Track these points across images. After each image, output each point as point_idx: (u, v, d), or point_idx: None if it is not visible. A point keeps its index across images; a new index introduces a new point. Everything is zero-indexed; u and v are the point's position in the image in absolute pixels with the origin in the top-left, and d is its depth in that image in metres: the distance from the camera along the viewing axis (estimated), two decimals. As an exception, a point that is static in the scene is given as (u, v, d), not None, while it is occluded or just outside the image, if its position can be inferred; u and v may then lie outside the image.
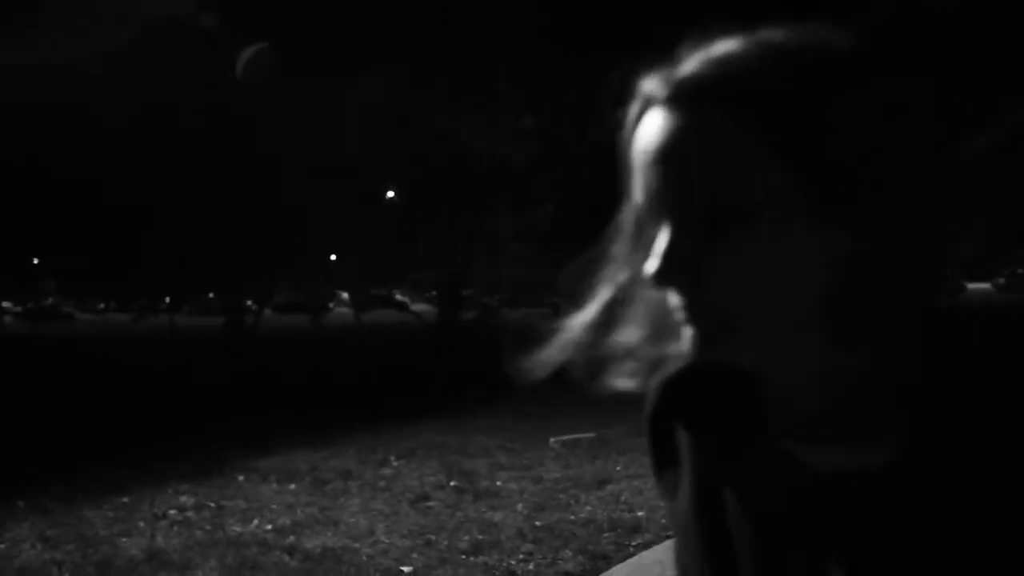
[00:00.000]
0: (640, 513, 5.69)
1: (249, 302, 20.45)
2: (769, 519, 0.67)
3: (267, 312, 24.84)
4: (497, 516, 5.73)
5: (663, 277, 0.60)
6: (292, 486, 6.71)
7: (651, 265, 0.61)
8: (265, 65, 10.83)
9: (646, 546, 5.02)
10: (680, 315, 0.61)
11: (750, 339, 0.59)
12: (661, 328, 0.70)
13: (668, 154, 0.60)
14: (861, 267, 0.57)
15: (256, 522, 5.69)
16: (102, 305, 42.78)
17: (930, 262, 0.59)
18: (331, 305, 28.00)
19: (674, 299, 0.62)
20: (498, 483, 6.68)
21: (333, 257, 22.11)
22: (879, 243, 0.56)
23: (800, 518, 0.64)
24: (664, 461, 0.82)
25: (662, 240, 0.61)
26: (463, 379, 13.79)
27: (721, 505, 0.71)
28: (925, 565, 0.57)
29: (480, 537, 5.25)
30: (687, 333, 0.61)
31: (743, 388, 0.69)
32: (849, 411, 0.62)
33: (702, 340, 0.60)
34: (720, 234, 0.58)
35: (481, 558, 4.89)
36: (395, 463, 7.47)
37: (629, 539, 5.18)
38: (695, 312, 0.60)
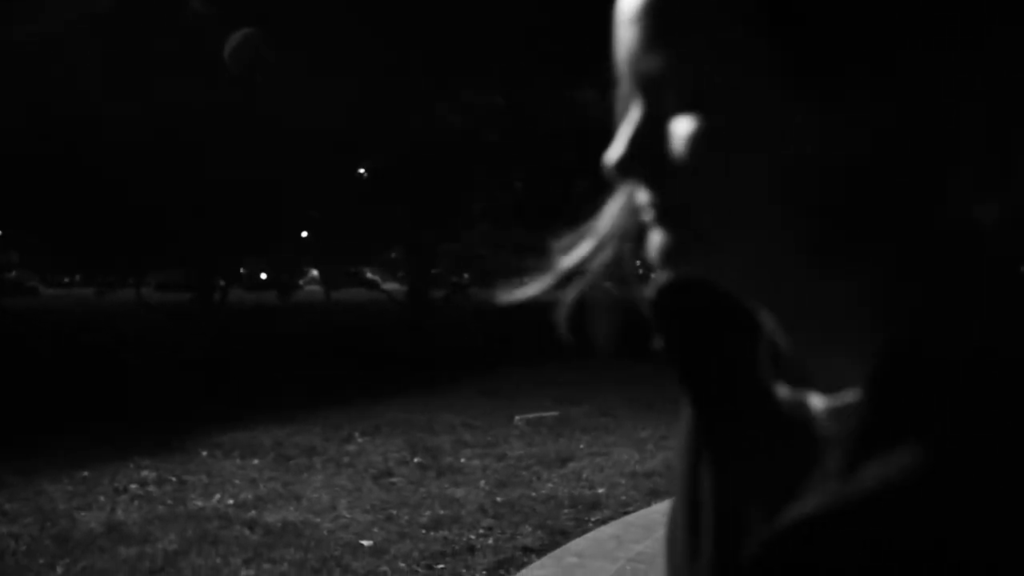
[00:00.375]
0: (600, 490, 5.77)
1: (221, 280, 20.33)
2: (736, 467, 0.57)
3: (236, 289, 24.66)
4: (459, 492, 5.78)
5: (624, 165, 0.51)
6: (255, 461, 6.72)
7: (614, 151, 0.51)
8: (252, 52, 10.70)
9: (604, 522, 5.10)
10: (647, 217, 0.52)
11: (727, 251, 0.49)
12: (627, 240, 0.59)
13: (638, 14, 0.49)
14: (853, 163, 0.45)
15: (218, 496, 5.69)
16: (67, 279, 42.23)
17: (940, 168, 0.44)
18: (301, 283, 27.84)
19: (642, 197, 0.52)
20: (462, 460, 6.74)
21: (304, 234, 21.98)
22: (874, 133, 0.44)
23: (766, 468, 0.55)
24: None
25: (630, 121, 0.51)
26: (431, 357, 13.81)
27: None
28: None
29: (441, 512, 5.30)
30: (654, 241, 0.51)
31: (728, 313, 0.58)
32: (826, 350, 0.51)
33: (672, 250, 0.50)
34: (694, 114, 0.47)
35: (441, 532, 4.94)
36: (360, 439, 7.50)
37: (588, 515, 5.25)
38: (663, 213, 0.50)
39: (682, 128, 0.48)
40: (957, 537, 0.41)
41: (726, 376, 0.59)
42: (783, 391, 0.55)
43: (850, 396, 0.48)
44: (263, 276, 29.47)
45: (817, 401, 0.51)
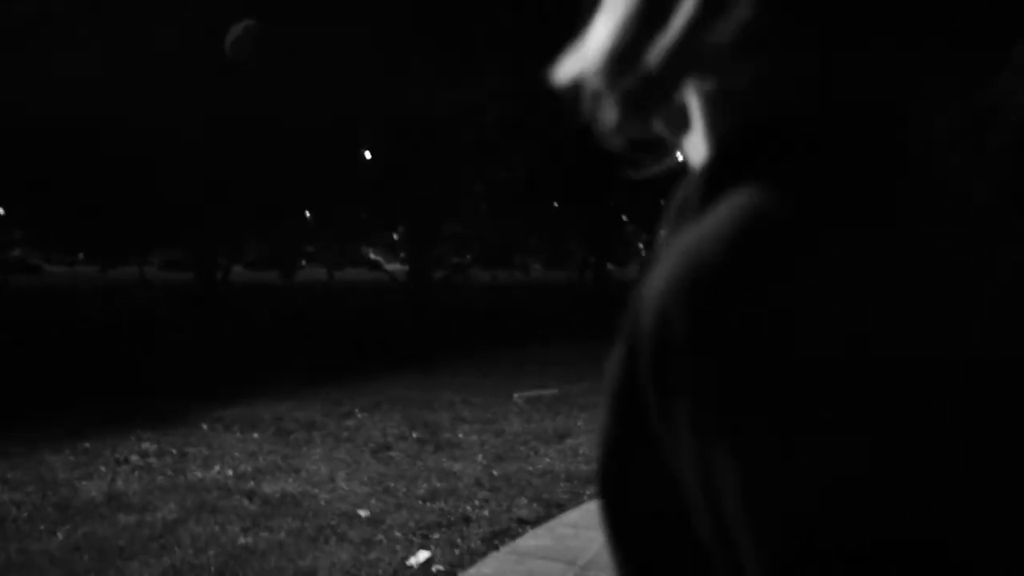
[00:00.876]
0: (596, 466, 5.82)
1: (223, 259, 20.39)
2: None
3: (238, 268, 24.72)
4: (456, 466, 5.83)
5: None
6: (255, 435, 6.77)
7: None
8: (253, 42, 10.72)
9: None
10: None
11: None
12: None
13: None
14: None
15: (217, 468, 5.75)
16: (71, 258, 42.32)
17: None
18: (303, 263, 27.88)
19: None
20: (460, 435, 6.79)
21: (308, 214, 22.01)
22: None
23: None
24: None
25: None
26: (432, 336, 13.87)
27: None
28: None
29: (438, 485, 5.35)
30: None
31: None
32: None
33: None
34: None
35: (437, 504, 4.99)
36: (359, 415, 7.55)
37: (584, 489, 5.30)
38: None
39: None
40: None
41: None
42: None
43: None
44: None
45: None
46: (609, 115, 0.50)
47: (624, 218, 23.55)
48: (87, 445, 6.30)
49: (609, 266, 23.66)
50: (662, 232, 0.54)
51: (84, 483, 5.36)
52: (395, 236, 26.67)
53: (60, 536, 4.40)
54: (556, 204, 18.40)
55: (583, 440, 6.60)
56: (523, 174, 17.72)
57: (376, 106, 16.64)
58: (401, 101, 16.60)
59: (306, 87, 15.17)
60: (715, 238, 0.39)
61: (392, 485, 5.37)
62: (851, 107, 0.44)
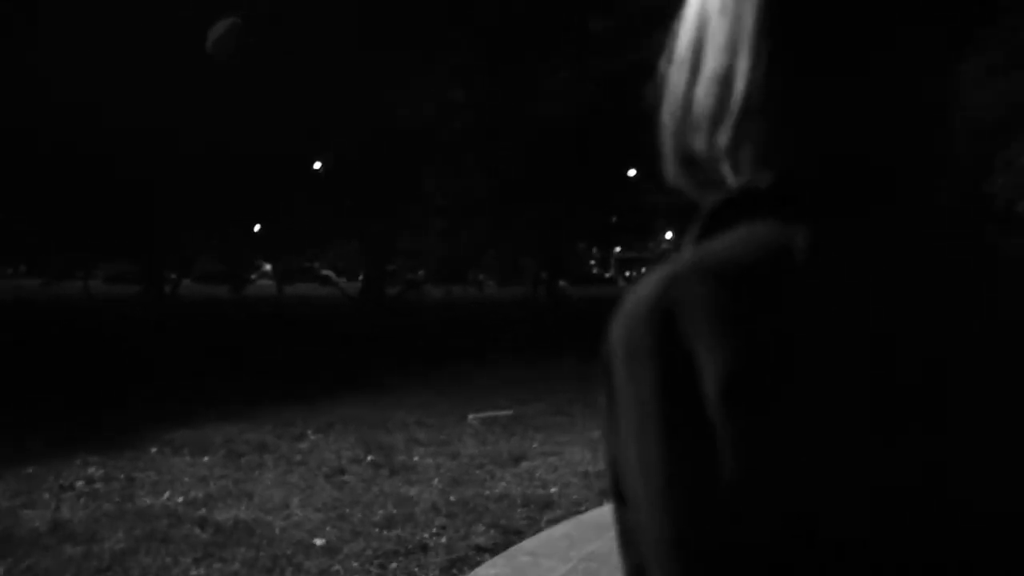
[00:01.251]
0: (553, 489, 5.81)
1: (171, 273, 20.00)
2: None
3: (186, 282, 24.29)
4: (413, 491, 5.78)
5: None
6: (206, 459, 6.64)
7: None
8: (235, 40, 10.62)
9: (556, 521, 5.14)
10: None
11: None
12: None
13: None
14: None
15: (167, 494, 5.62)
16: (11, 270, 41.17)
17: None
18: (253, 276, 27.51)
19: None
20: (415, 458, 6.73)
21: (257, 227, 21.73)
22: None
23: None
24: None
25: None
26: (385, 353, 13.77)
27: None
28: None
29: (394, 511, 5.30)
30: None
31: None
32: None
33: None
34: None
35: (394, 531, 4.94)
36: (312, 437, 7.45)
37: (541, 514, 5.28)
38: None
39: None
40: None
41: None
42: None
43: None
44: (214, 269, 28.92)
45: None
46: (671, 175, 0.68)
47: (575, 235, 23.69)
48: (30, 470, 6.11)
49: (561, 282, 23.74)
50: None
51: (26, 512, 5.19)
52: (347, 250, 26.45)
53: (1, 570, 4.25)
54: (509, 221, 18.44)
55: (539, 463, 6.59)
56: (477, 191, 17.73)
57: (330, 118, 16.53)
58: (354, 114, 16.51)
59: (258, 98, 15.01)
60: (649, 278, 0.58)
61: (347, 511, 5.30)
62: (833, 159, 0.59)
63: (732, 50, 0.61)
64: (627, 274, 58.96)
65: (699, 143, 0.64)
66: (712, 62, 0.62)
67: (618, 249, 53.78)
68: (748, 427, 0.50)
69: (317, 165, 19.96)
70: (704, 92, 0.63)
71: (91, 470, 6.15)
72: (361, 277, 25.04)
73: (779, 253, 0.54)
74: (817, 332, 0.52)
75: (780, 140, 0.60)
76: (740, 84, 0.60)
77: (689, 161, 0.66)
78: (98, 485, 5.82)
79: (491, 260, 20.73)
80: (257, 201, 18.11)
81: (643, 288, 0.57)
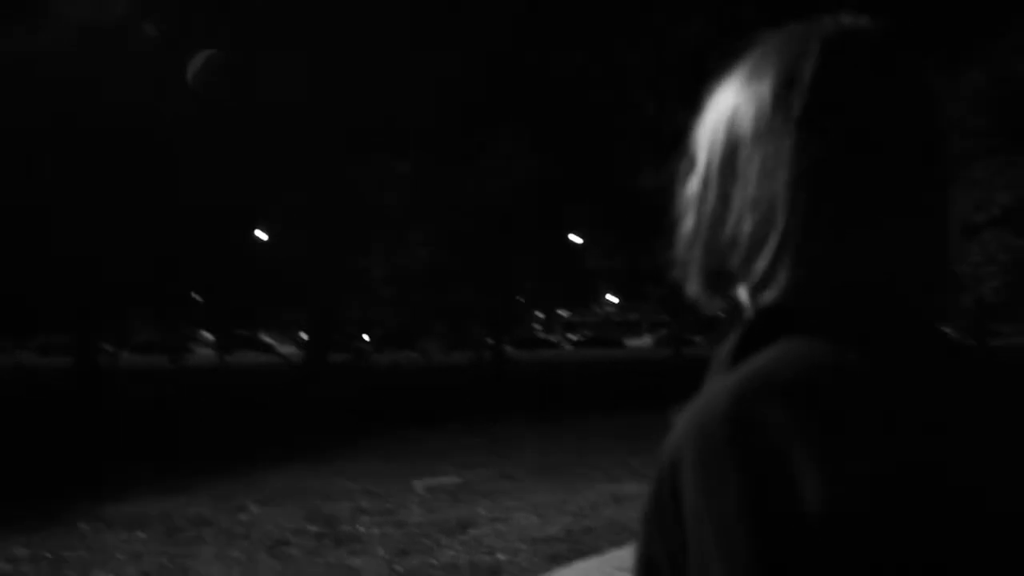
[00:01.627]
0: (502, 556, 5.72)
1: (106, 344, 19.51)
2: None
3: (124, 353, 23.71)
4: (358, 561, 5.64)
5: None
6: (141, 534, 6.39)
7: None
8: (213, 72, 10.70)
9: (505, 588, 5.04)
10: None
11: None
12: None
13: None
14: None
15: (99, 574, 5.38)
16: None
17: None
18: (192, 346, 26.98)
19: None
20: (360, 528, 6.58)
21: (197, 297, 21.39)
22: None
23: None
24: None
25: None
26: (329, 421, 13.53)
27: None
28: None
29: (339, 583, 5.15)
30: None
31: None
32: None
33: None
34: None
35: (338, 605, 4.79)
36: (253, 509, 7.24)
37: (489, 583, 5.19)
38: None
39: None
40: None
41: None
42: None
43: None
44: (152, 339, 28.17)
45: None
46: (693, 287, 0.73)
47: (521, 300, 23.82)
48: (-49, 551, 5.81)
49: (508, 348, 23.74)
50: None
51: (-53, 595, 4.92)
52: (289, 318, 26.13)
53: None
54: (455, 288, 18.50)
55: (486, 530, 6.49)
56: (422, 260, 17.75)
57: (273, 186, 16.49)
58: (299, 183, 16.50)
59: (199, 165, 14.92)
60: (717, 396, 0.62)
61: (290, 585, 5.13)
62: (847, 287, 0.65)
63: (770, 181, 0.66)
64: (572, 338, 59.17)
65: (734, 262, 0.68)
66: (751, 189, 0.67)
67: (563, 312, 54.10)
68: (852, 549, 0.56)
69: (260, 234, 19.84)
70: (742, 217, 0.67)
71: (16, 550, 5.88)
72: (300, 336, 24.77)
73: (837, 371, 0.61)
74: (902, 463, 0.58)
75: (819, 268, 0.65)
76: (781, 219, 0.65)
77: (715, 276, 0.70)
78: (24, 566, 5.56)
79: (437, 327, 20.65)
80: (197, 269, 17.87)
81: (711, 405, 0.61)
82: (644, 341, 53.44)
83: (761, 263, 0.66)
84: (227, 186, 15.46)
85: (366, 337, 21.34)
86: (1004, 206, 12.45)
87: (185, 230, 15.92)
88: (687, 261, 0.72)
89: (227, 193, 15.68)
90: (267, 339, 31.98)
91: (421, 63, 15.24)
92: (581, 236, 23.19)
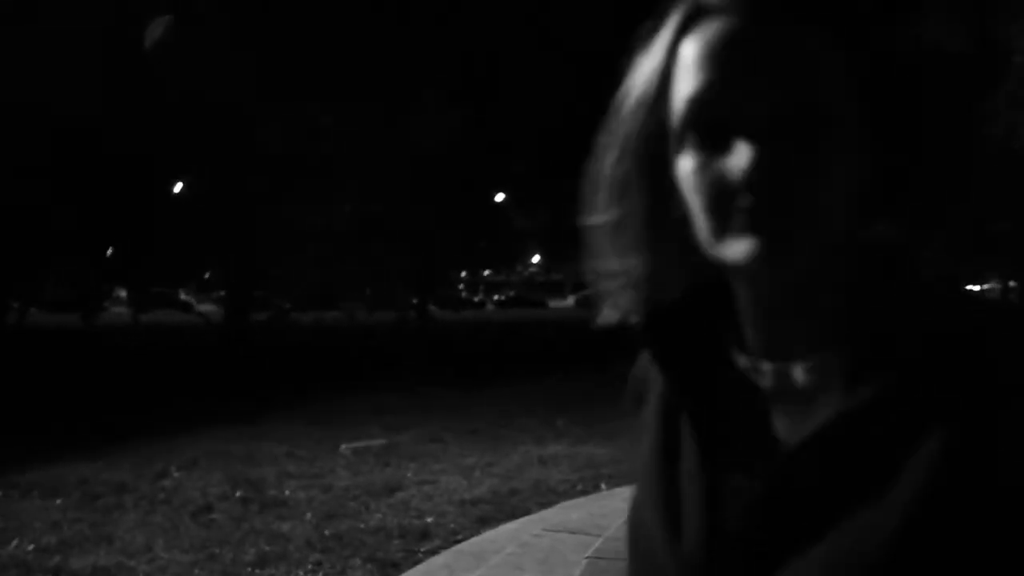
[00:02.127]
0: (429, 519, 5.78)
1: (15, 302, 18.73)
2: (713, 439, 0.71)
3: (33, 310, 22.83)
4: (285, 526, 5.63)
5: (756, 186, 0.62)
6: (58, 501, 6.25)
7: (739, 173, 0.62)
8: (167, 33, 10.34)
9: (434, 552, 5.11)
10: (739, 223, 0.63)
11: (800, 247, 0.63)
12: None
13: (759, 64, 0.63)
14: (887, 186, 0.66)
15: (16, 542, 5.25)
16: None
17: (939, 215, 0.68)
18: (106, 304, 26.14)
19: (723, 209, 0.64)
20: (286, 492, 6.55)
21: (110, 251, 20.66)
22: (909, 164, 0.66)
23: (743, 438, 0.69)
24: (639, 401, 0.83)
25: (742, 153, 0.62)
26: (252, 384, 13.34)
27: (678, 435, 0.74)
28: (851, 494, 0.61)
29: (267, 549, 5.14)
30: (742, 246, 0.63)
31: (714, 315, 0.74)
32: (799, 335, 0.68)
33: (762, 249, 0.62)
34: (798, 143, 0.62)
35: (268, 571, 4.79)
36: (176, 474, 7.13)
37: (418, 545, 5.25)
38: (763, 220, 0.62)
39: (790, 155, 0.62)
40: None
41: (704, 361, 0.74)
42: (743, 361, 0.72)
43: (820, 358, 0.68)
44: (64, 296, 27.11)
45: (795, 370, 0.69)
46: None
47: (444, 260, 23.75)
48: None
49: (432, 308, 23.69)
50: None
51: None
52: (207, 275, 25.53)
53: None
54: (378, 247, 18.31)
55: (414, 493, 6.54)
56: (346, 218, 17.49)
57: (194, 134, 15.96)
58: (222, 130, 16.02)
59: (115, 115, 14.35)
60: None
61: (217, 551, 5.10)
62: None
63: None
64: (496, 298, 59.38)
65: None
66: None
67: (487, 272, 54.19)
68: None
69: (178, 188, 19.22)
70: None
71: (-73, 519, 5.69)
72: (220, 295, 24.26)
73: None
74: None
75: None
76: None
77: None
78: (-64, 535, 5.38)
79: (361, 286, 20.44)
80: (110, 223, 17.24)
81: None
82: (567, 301, 54.03)
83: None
84: (145, 137, 14.92)
85: (288, 296, 20.97)
86: None
87: (101, 183, 15.34)
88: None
89: (144, 144, 15.13)
90: (186, 297, 31.19)
91: (344, 12, 14.90)
92: (505, 196, 23.17)
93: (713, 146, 0.65)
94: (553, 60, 16.63)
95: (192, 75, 13.85)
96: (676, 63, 0.67)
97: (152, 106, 14.49)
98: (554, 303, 54.69)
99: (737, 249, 0.63)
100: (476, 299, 53.94)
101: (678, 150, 0.67)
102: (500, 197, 23.52)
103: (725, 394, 0.72)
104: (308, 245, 17.57)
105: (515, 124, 18.17)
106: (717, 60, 0.64)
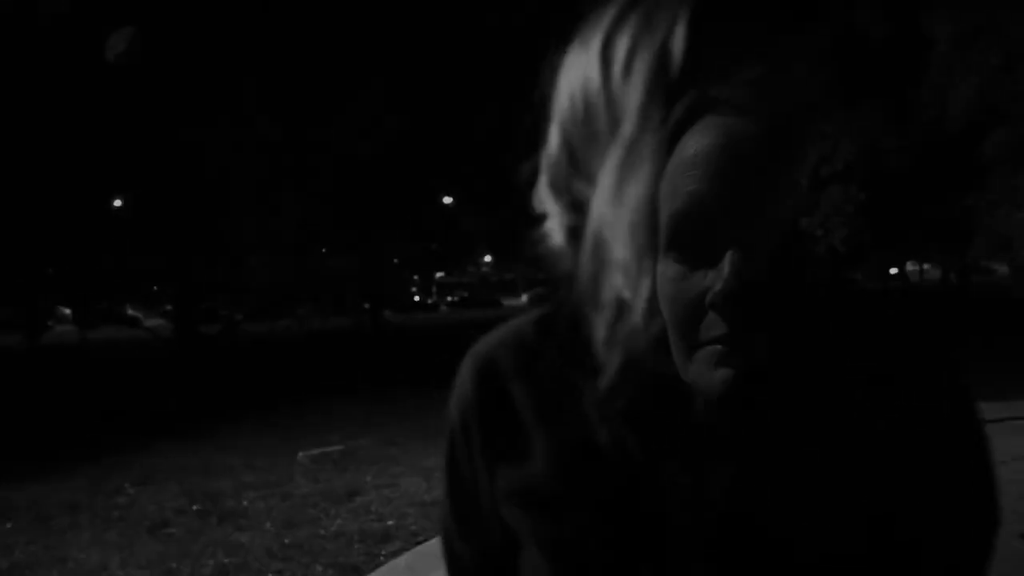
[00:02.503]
0: (390, 522, 5.78)
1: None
2: (643, 438, 0.71)
3: (-28, 332, 22.25)
4: (244, 537, 5.59)
5: (732, 300, 0.58)
6: (8, 524, 6.12)
7: (724, 284, 0.58)
8: (133, 45, 10.08)
9: (396, 554, 5.12)
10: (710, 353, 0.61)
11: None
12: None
13: (762, 164, 0.59)
14: None
15: (-34, 568, 5.14)
16: None
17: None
18: (50, 323, 25.54)
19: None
20: (244, 503, 6.50)
21: (51, 271, 20.22)
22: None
23: (674, 430, 0.69)
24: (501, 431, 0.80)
25: (732, 260, 0.58)
26: (204, 396, 13.17)
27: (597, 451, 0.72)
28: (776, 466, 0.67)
29: (226, 560, 5.10)
30: (718, 376, 0.61)
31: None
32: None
33: (736, 386, 0.61)
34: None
35: (227, 582, 4.76)
36: (130, 490, 7.03)
37: (379, 549, 5.25)
38: (736, 356, 0.60)
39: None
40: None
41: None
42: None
43: None
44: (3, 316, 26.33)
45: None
46: None
47: (396, 262, 23.65)
48: None
49: (386, 312, 23.60)
50: None
51: None
52: (154, 289, 25.09)
53: None
54: (328, 254, 18.22)
55: (373, 497, 6.54)
56: (293, 226, 17.36)
57: (131, 152, 15.71)
58: (159, 148, 15.79)
59: (51, 134, 14.07)
60: None
61: (174, 566, 5.05)
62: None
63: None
64: (449, 299, 59.23)
65: None
66: None
67: (440, 274, 54.07)
68: None
69: (117, 203, 18.89)
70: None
71: None
72: (167, 309, 23.84)
73: None
74: None
75: None
76: None
77: None
78: None
79: (312, 294, 20.31)
80: (49, 242, 16.88)
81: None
82: (521, 300, 54.14)
83: None
84: (84, 153, 14.65)
85: (238, 308, 20.73)
86: (847, 160, 13.20)
87: (40, 200, 15.02)
88: None
89: (84, 159, 14.85)
90: (133, 312, 30.59)
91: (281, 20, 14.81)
92: (454, 197, 23.17)
93: (695, 262, 0.61)
94: (496, 59, 16.70)
95: (142, 88, 13.66)
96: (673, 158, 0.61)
97: (91, 119, 14.24)
98: (508, 302, 54.77)
99: (711, 382, 0.62)
100: (429, 301, 53.75)
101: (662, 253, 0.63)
102: (448, 199, 23.53)
103: (652, 387, 0.70)
104: (254, 255, 17.40)
105: (458, 125, 18.20)
106: (724, 172, 0.59)
